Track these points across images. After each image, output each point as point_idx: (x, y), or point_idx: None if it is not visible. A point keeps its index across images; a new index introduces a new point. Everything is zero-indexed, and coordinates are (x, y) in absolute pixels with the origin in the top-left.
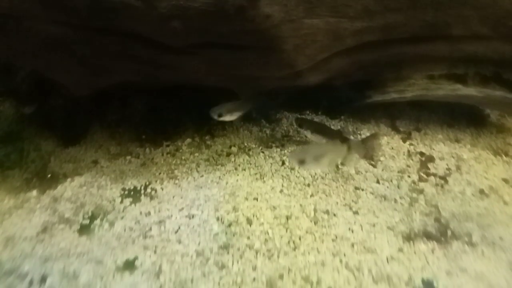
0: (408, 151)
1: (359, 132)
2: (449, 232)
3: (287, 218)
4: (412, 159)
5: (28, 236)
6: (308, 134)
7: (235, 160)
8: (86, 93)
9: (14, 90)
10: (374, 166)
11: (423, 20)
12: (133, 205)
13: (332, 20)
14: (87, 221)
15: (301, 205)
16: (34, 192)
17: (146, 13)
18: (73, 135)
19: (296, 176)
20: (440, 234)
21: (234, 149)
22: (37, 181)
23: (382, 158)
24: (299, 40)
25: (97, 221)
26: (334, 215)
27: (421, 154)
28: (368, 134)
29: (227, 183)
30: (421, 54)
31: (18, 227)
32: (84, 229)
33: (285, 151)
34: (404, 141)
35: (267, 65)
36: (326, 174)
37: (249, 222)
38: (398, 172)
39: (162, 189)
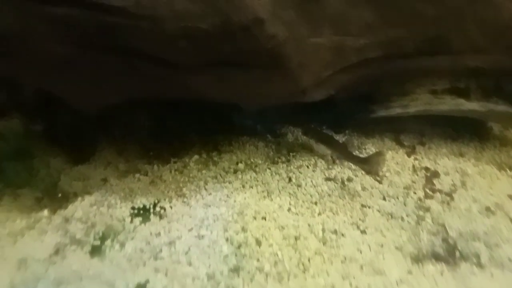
0: (413, 166)
1: (363, 147)
2: (457, 253)
3: (296, 238)
4: (417, 175)
5: (41, 258)
6: (313, 144)
7: (242, 177)
8: (93, 111)
9: (22, 106)
10: (380, 182)
11: (424, 35)
12: (143, 224)
13: (335, 38)
14: (98, 242)
15: (309, 224)
16: (45, 212)
17: (153, 33)
18: (81, 152)
19: (303, 194)
20: (448, 254)
21: (240, 165)
22: (47, 200)
23: (387, 174)
24: (303, 58)
25: (108, 242)
26: (342, 235)
27: (426, 169)
28: (372, 148)
29: (235, 201)
30: (423, 68)
31: (31, 248)
32: (95, 251)
33: (291, 167)
34: (409, 156)
35: (272, 83)
36: (332, 191)
37: (258, 243)
38: (404, 188)
39: (171, 207)
